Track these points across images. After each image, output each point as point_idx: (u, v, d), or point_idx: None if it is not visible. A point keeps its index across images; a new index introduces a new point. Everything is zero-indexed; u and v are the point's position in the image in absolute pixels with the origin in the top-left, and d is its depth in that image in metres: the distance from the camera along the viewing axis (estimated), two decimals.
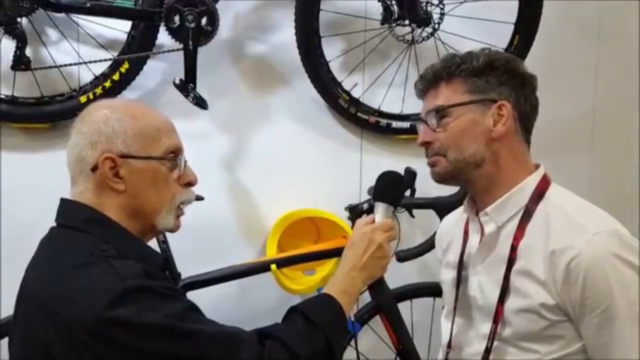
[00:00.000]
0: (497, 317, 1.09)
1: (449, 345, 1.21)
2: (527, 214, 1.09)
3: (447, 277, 1.26)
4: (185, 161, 1.11)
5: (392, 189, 1.26)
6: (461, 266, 1.20)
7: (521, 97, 1.12)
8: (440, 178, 1.15)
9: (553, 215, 1.07)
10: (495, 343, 1.09)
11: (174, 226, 1.11)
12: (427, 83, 1.16)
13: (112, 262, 0.97)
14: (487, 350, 1.10)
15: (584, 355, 1.04)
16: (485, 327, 1.11)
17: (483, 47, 1.17)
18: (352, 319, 1.90)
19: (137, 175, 1.05)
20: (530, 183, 1.12)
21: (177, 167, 1.09)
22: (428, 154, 1.16)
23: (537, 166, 1.16)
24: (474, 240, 1.18)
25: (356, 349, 1.85)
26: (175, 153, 1.09)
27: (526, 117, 1.14)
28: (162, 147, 1.07)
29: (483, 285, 1.14)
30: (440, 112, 1.12)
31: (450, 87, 1.12)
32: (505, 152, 1.11)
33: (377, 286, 1.82)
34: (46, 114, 1.78)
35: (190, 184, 1.12)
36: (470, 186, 1.16)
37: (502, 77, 1.11)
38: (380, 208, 1.22)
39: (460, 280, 1.20)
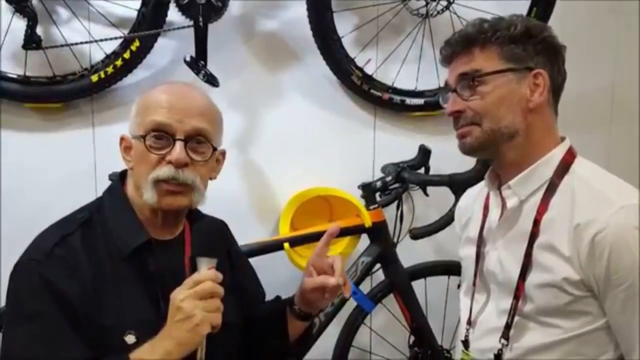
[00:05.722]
0: (518, 292, 1.07)
1: (469, 322, 1.20)
2: (552, 187, 1.07)
3: (466, 252, 1.25)
4: (175, 140, 1.09)
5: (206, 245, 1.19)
6: (481, 241, 1.19)
7: (555, 67, 1.10)
8: (471, 149, 1.11)
9: (578, 188, 1.04)
10: (516, 319, 1.08)
11: (157, 202, 1.11)
12: (458, 47, 1.10)
13: (62, 229, 1.10)
14: (508, 326, 1.08)
15: (607, 331, 1.02)
16: (506, 303, 1.09)
17: (514, 14, 1.12)
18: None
19: (134, 153, 1.14)
20: (556, 155, 1.09)
21: (158, 146, 1.10)
22: (458, 124, 1.11)
23: (562, 138, 1.13)
24: (494, 215, 1.16)
25: (370, 327, 1.86)
26: (157, 130, 1.10)
27: (558, 88, 1.11)
28: (144, 125, 1.11)
29: (503, 261, 1.12)
30: (477, 79, 1.07)
31: (485, 53, 1.08)
32: (539, 124, 1.09)
33: (391, 265, 1.82)
34: (59, 93, 1.77)
35: (170, 162, 1.10)
36: (498, 158, 1.12)
37: (539, 46, 1.08)
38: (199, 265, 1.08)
39: (479, 256, 1.19)
